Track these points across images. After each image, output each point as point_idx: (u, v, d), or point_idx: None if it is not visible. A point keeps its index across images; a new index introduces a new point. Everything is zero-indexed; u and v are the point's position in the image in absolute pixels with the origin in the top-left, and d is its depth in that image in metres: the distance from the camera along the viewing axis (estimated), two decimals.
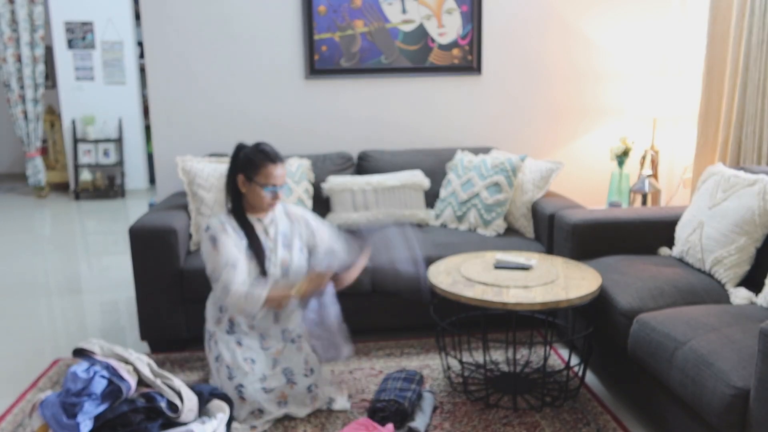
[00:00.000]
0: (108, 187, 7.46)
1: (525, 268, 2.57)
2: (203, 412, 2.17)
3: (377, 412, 2.33)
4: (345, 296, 2.94)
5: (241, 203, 2.50)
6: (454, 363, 2.81)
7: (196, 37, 3.72)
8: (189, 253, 3.06)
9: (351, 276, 2.50)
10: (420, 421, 2.30)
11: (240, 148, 2.50)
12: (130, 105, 7.48)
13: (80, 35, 7.27)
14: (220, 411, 2.17)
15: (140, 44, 7.46)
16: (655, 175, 3.94)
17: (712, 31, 3.44)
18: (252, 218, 2.52)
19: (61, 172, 7.84)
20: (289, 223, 2.61)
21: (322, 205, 3.51)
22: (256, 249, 2.45)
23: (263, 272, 2.46)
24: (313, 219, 2.68)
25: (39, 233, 5.86)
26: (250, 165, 2.42)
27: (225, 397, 2.25)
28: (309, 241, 2.62)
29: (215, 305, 2.53)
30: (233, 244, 2.41)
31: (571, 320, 2.76)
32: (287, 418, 2.39)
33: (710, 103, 3.47)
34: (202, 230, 2.46)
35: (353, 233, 2.61)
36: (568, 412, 2.44)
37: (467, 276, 2.48)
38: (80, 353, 2.09)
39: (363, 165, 3.70)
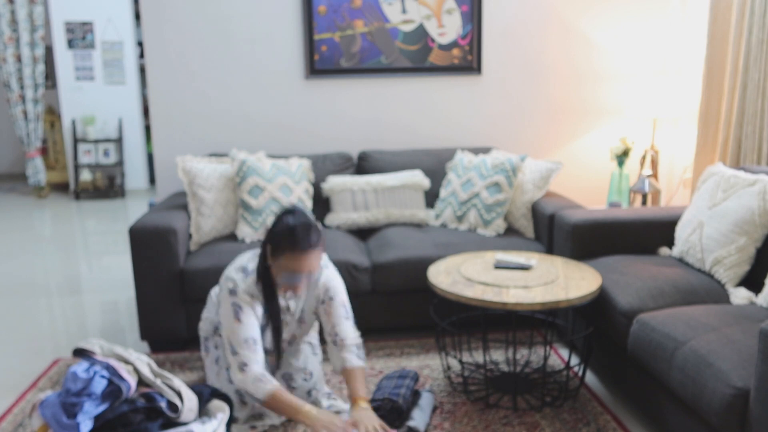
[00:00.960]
0: (108, 187, 7.46)
1: (525, 268, 2.57)
2: (203, 412, 2.17)
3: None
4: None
5: (271, 274, 2.23)
6: (454, 363, 2.81)
7: (196, 36, 3.72)
8: (189, 253, 3.06)
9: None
10: (420, 421, 2.30)
11: (282, 216, 2.19)
12: (130, 105, 7.48)
13: (80, 35, 7.27)
14: (221, 411, 2.17)
15: (140, 44, 7.46)
16: (655, 175, 3.94)
17: (712, 31, 3.44)
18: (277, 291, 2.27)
19: (61, 172, 7.85)
20: (316, 295, 2.35)
21: (322, 205, 3.51)
22: (274, 332, 2.28)
23: (277, 351, 2.34)
24: (341, 302, 2.34)
25: (39, 233, 5.86)
26: (277, 242, 2.14)
27: (225, 397, 2.25)
28: (322, 316, 2.37)
29: (211, 324, 2.51)
30: (255, 319, 2.21)
31: (571, 320, 2.76)
32: (288, 420, 2.38)
33: (710, 103, 3.47)
34: (226, 286, 2.21)
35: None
36: (568, 412, 2.44)
37: (467, 276, 2.48)
38: (80, 353, 2.09)
39: (363, 165, 3.70)
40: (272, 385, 2.12)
